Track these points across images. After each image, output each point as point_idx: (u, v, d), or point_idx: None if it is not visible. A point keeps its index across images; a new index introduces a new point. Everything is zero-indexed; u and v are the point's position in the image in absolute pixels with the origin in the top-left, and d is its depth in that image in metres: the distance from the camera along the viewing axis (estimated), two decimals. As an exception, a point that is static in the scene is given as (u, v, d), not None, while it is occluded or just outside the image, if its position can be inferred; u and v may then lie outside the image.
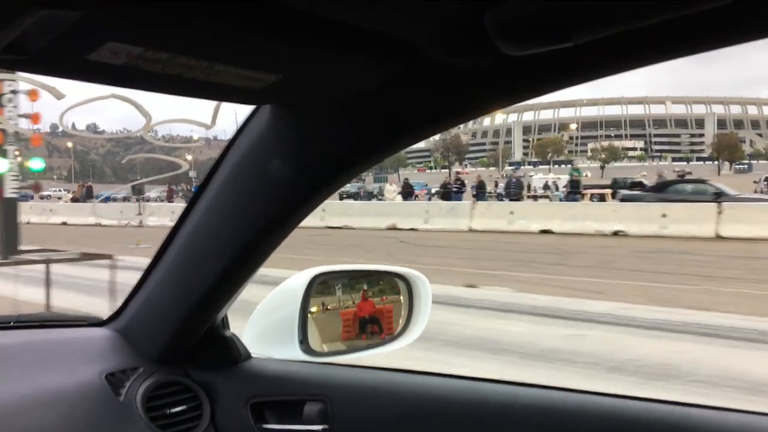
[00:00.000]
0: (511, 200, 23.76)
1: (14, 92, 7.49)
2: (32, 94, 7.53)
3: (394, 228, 20.04)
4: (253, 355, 1.31)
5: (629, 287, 9.01)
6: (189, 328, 1.22)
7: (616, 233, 16.66)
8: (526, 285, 9.26)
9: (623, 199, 22.54)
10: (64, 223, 27.10)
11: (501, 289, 9.02)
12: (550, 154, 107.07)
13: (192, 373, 1.27)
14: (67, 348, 1.26)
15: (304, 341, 1.23)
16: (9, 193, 7.71)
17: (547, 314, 7.33)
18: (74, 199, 37.51)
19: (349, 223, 21.07)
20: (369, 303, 1.34)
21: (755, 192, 35.49)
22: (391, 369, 1.27)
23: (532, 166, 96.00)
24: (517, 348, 5.79)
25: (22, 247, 7.90)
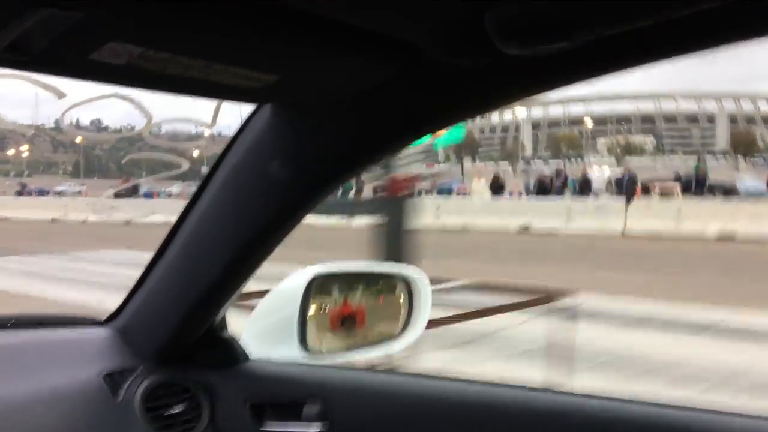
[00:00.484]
0: (627, 199, 19.42)
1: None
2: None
3: (526, 231, 17.32)
4: (252, 355, 1.31)
5: None
6: (188, 327, 1.22)
7: None
8: None
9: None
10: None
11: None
12: (564, 149, 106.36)
13: (191, 373, 1.27)
14: (65, 348, 1.26)
15: (303, 342, 1.23)
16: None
17: None
18: (117, 195, 36.90)
19: (469, 222, 18.43)
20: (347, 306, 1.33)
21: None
22: (390, 370, 1.27)
23: (542, 161, 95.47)
24: None
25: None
